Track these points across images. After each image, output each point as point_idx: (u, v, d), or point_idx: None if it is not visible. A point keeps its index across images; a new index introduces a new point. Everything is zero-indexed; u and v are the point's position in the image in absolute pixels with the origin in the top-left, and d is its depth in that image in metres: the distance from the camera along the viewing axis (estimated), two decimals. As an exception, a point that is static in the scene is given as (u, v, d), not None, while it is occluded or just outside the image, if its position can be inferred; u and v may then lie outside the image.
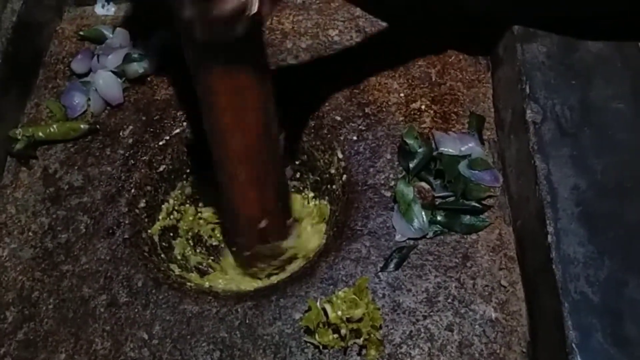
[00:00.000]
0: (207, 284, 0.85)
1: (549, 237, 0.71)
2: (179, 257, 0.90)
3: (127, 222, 0.85)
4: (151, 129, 0.92)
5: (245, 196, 0.79)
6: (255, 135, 0.74)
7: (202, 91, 0.70)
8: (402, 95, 0.92)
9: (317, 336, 0.72)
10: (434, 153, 0.85)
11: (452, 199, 0.82)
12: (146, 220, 0.88)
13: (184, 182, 0.96)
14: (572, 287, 0.68)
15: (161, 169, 0.92)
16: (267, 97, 0.72)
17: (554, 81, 0.82)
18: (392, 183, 0.84)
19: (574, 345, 0.64)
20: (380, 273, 0.78)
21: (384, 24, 1.00)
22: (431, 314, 0.75)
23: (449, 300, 0.76)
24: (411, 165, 0.84)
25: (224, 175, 0.79)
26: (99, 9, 1.06)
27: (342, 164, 0.88)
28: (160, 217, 0.91)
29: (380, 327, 0.73)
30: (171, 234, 0.92)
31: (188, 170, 0.95)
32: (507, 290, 0.76)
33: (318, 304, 0.74)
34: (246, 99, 0.70)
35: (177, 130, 0.92)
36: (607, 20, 0.84)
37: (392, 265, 0.78)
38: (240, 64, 0.66)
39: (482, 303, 0.75)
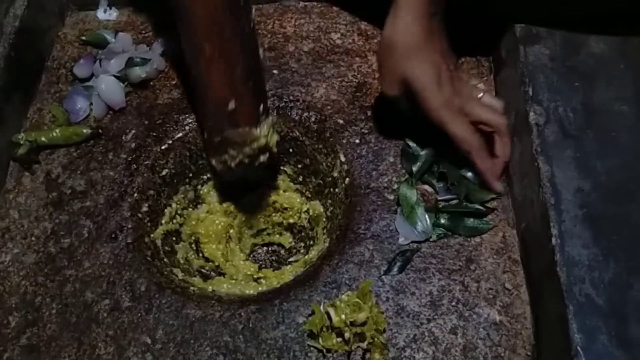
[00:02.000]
0: (210, 288, 0.85)
1: (553, 239, 0.70)
2: (181, 261, 0.90)
3: (129, 226, 0.84)
4: (154, 133, 0.92)
5: (212, 73, 0.77)
6: (220, 2, 0.72)
7: None
8: (404, 98, 0.92)
9: (320, 340, 0.72)
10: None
11: (455, 201, 0.82)
12: (149, 224, 0.88)
13: (187, 186, 0.95)
14: (577, 289, 0.67)
15: (164, 173, 0.92)
16: None
17: (557, 83, 0.82)
18: (395, 186, 0.84)
19: (579, 348, 0.64)
20: (383, 276, 0.78)
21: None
22: (435, 317, 0.74)
23: (453, 304, 0.75)
24: (414, 169, 0.84)
25: (191, 50, 0.77)
26: (100, 14, 1.06)
27: (345, 167, 0.88)
28: (163, 221, 0.91)
29: (384, 331, 0.73)
30: (174, 238, 0.92)
31: (191, 175, 0.95)
32: (511, 293, 0.76)
33: (321, 307, 0.74)
34: None
35: (180, 135, 0.92)
36: (610, 22, 0.84)
37: (395, 269, 0.78)
38: None
39: (487, 306, 0.75)
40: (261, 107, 0.82)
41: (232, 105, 0.78)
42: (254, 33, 0.80)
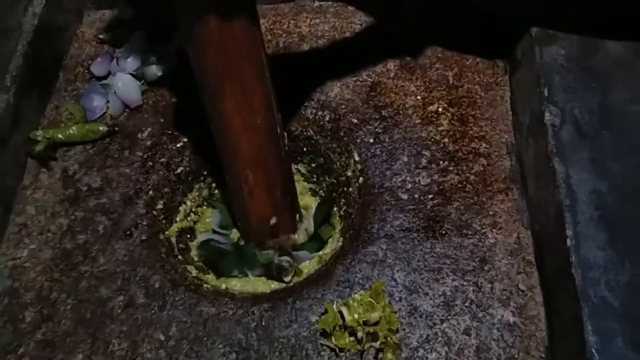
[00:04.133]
0: (223, 286, 0.86)
1: (568, 241, 0.70)
2: (195, 259, 0.90)
3: (144, 223, 0.85)
4: (169, 132, 0.93)
5: (254, 197, 0.82)
6: (262, 137, 0.76)
7: (210, 100, 0.73)
8: (419, 97, 0.92)
9: (333, 339, 0.72)
10: None
11: None
12: (164, 221, 0.89)
13: (202, 184, 0.96)
14: (592, 291, 0.67)
15: (179, 171, 0.92)
16: (271, 98, 0.74)
17: (573, 84, 0.81)
18: (409, 186, 0.84)
19: (593, 351, 0.63)
20: (396, 276, 0.77)
21: (402, 27, 1.00)
22: (448, 317, 0.74)
23: (467, 304, 0.75)
24: None
25: (234, 179, 0.81)
26: (118, 12, 1.07)
27: (359, 166, 0.88)
28: (177, 219, 0.91)
29: (397, 331, 0.73)
30: (188, 236, 0.93)
31: (205, 172, 0.95)
32: (525, 294, 0.76)
33: (334, 306, 0.74)
34: (252, 101, 0.72)
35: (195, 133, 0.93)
36: (626, 23, 0.83)
37: None
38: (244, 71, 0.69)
39: (500, 307, 0.75)
40: (297, 216, 0.90)
41: (273, 221, 0.85)
42: (290, 154, 0.85)
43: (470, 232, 0.80)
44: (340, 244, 0.87)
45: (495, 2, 0.91)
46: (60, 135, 0.91)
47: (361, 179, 0.87)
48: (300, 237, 0.90)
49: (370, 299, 0.73)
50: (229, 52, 0.67)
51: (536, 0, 0.87)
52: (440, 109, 0.91)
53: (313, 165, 0.97)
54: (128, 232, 0.84)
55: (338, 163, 0.92)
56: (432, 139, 0.88)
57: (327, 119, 0.92)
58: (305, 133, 0.94)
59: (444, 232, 0.81)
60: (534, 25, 0.87)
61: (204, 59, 0.68)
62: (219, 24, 0.64)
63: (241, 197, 0.83)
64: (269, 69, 0.73)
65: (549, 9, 0.87)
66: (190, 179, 0.94)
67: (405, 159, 0.87)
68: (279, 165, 0.81)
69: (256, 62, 0.70)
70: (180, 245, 0.89)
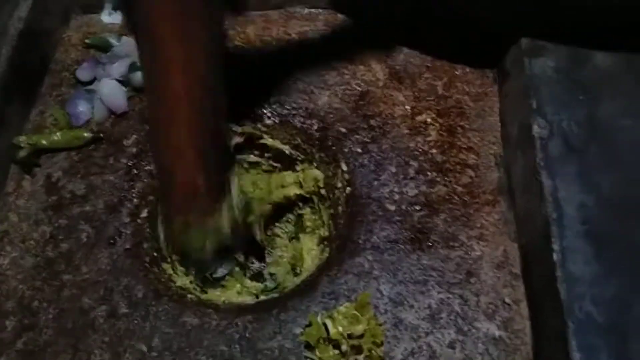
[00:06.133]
0: (207, 297, 0.85)
1: (555, 254, 0.70)
2: (179, 268, 0.89)
3: (128, 232, 0.84)
4: (155, 138, 0.92)
5: (182, 157, 0.76)
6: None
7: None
8: (407, 107, 0.92)
9: (317, 352, 0.72)
10: None
11: None
12: (148, 230, 0.88)
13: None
14: (577, 306, 0.67)
15: (164, 178, 0.91)
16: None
17: (561, 96, 0.81)
18: (396, 197, 0.84)
19: (578, 366, 0.63)
20: (382, 288, 0.77)
21: (391, 36, 0.99)
22: (433, 330, 0.74)
23: (452, 317, 0.75)
24: None
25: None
26: (105, 17, 1.06)
27: (346, 176, 0.87)
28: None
29: (382, 344, 0.72)
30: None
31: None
32: (511, 308, 0.75)
33: (319, 318, 0.73)
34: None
35: (181, 140, 0.92)
36: (616, 35, 0.83)
37: None
38: None
39: (486, 321, 0.74)
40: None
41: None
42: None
43: (456, 245, 0.80)
44: (326, 254, 0.86)
45: (485, 12, 0.91)
46: (44, 141, 0.90)
47: (348, 189, 0.86)
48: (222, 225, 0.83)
49: (355, 312, 0.72)
50: None
51: (525, 11, 0.87)
52: (428, 119, 0.90)
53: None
54: (112, 241, 0.83)
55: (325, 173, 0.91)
56: (420, 150, 0.88)
57: (315, 127, 0.91)
58: (292, 142, 0.93)
59: (430, 244, 0.80)
60: (524, 35, 0.87)
61: None
62: None
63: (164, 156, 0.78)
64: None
65: (538, 19, 0.86)
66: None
67: (393, 170, 0.86)
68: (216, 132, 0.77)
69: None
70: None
